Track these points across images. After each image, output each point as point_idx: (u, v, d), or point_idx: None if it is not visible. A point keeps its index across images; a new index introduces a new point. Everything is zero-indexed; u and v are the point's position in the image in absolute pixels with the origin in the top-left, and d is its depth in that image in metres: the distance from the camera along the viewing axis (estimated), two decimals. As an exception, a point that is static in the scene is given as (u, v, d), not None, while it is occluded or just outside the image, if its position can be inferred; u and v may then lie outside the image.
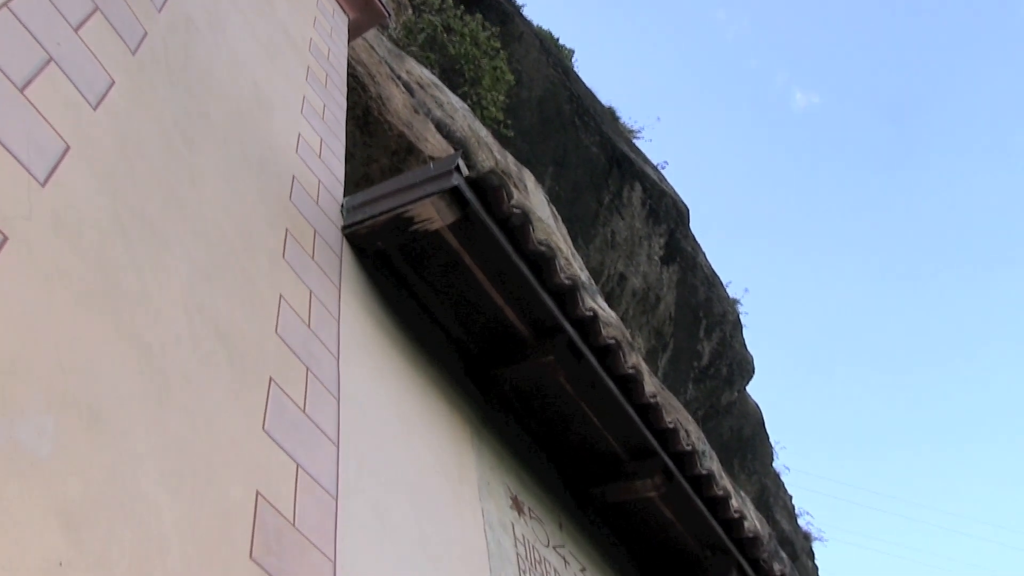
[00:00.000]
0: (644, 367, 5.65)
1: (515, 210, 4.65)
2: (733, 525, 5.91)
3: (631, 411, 5.17)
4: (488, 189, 4.60)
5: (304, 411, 3.57)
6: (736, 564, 5.99)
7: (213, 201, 3.83)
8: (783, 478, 21.68)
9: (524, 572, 4.56)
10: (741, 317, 19.76)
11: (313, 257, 4.38)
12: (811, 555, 21.70)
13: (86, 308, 2.74)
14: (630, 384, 5.16)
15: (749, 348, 20.05)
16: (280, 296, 3.89)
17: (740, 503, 6.23)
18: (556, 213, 13.94)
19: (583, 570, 5.33)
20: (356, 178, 9.31)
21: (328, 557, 3.18)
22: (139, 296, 3.01)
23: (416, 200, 4.58)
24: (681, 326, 17.60)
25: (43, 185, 2.79)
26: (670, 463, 5.44)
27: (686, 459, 5.52)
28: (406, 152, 9.83)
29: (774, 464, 21.16)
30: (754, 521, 6.42)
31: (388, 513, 3.71)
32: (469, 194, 4.53)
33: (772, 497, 20.31)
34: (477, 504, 4.48)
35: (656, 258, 17.32)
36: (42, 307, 2.56)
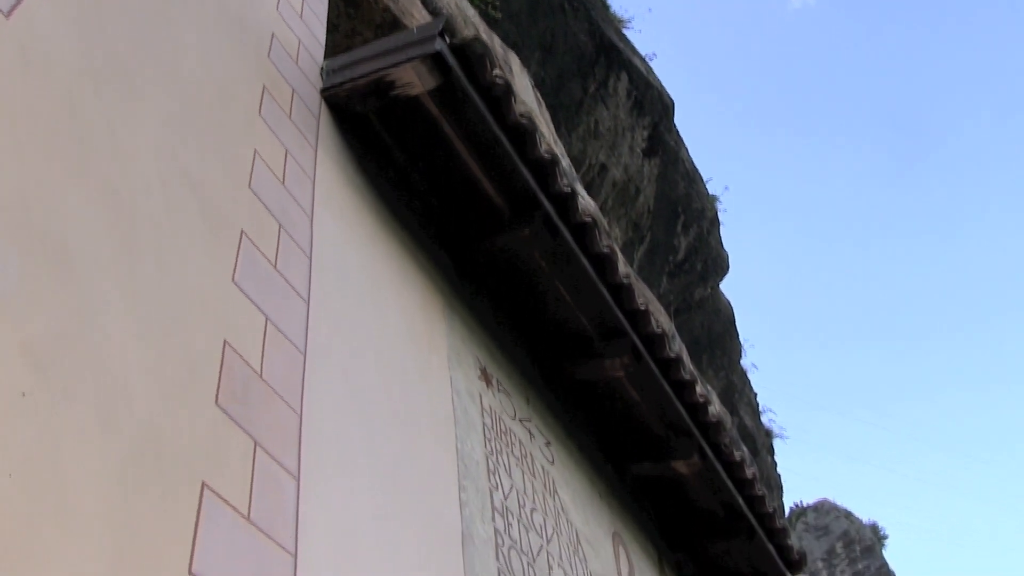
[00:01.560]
0: (619, 254, 5.66)
1: (498, 80, 4.58)
2: (697, 409, 5.98)
3: (604, 290, 5.17)
4: (471, 57, 4.52)
5: (275, 267, 3.55)
6: (698, 447, 6.08)
7: (188, 51, 3.74)
8: (750, 376, 21.99)
9: (490, 441, 4.62)
10: (719, 214, 19.78)
11: (290, 116, 4.31)
12: (771, 451, 22.16)
13: (53, 149, 2.68)
14: (604, 263, 5.16)
15: (725, 246, 20.12)
16: (255, 152, 3.83)
17: (705, 389, 6.31)
18: (540, 99, 13.77)
19: (548, 444, 5.40)
20: (338, 52, 9.13)
21: (294, 410, 3.20)
22: (109, 140, 2.95)
23: (398, 64, 4.49)
24: (659, 220, 17.60)
25: (7, 16, 2.70)
26: (639, 344, 5.47)
27: (655, 341, 5.56)
28: (391, 26, 9.63)
29: (742, 362, 21.43)
30: (717, 407, 6.52)
31: (356, 373, 3.72)
32: (452, 60, 4.45)
33: (737, 394, 20.63)
34: (446, 372, 4.51)
35: (638, 150, 17.21)
36: (7, 144, 2.50)
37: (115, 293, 2.66)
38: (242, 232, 3.43)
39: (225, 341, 3.01)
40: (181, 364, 2.77)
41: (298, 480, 3.03)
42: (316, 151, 4.35)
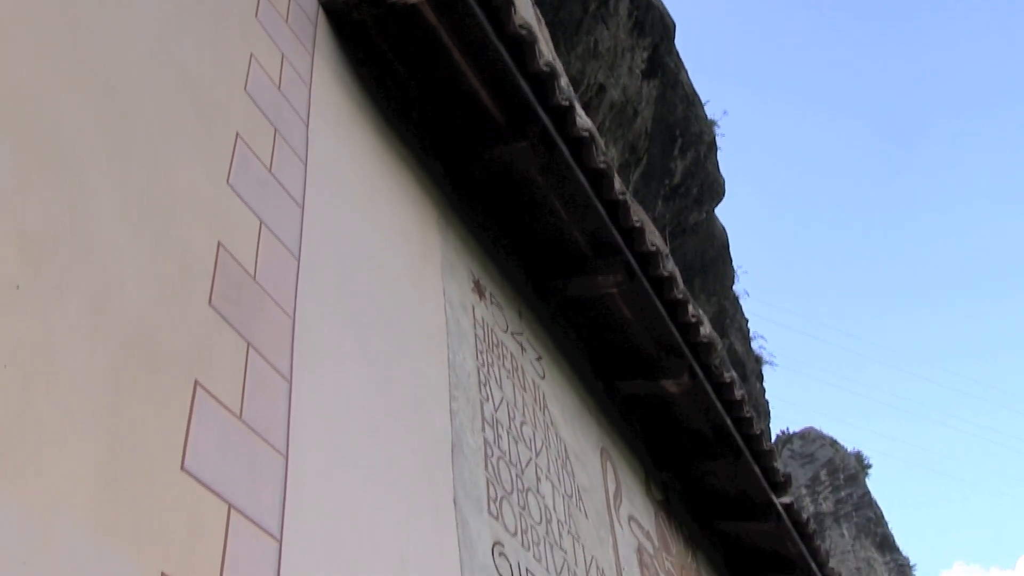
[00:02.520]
0: (615, 172, 5.63)
1: (497, -11, 4.51)
2: (689, 329, 6.01)
3: (599, 206, 5.15)
4: (471, -36, 4.44)
5: (270, 170, 3.53)
6: (688, 367, 6.12)
7: (184, -52, 3.67)
8: (741, 302, 22.06)
9: (481, 353, 4.64)
10: (717, 139, 19.66)
11: (287, 21, 4.25)
12: (760, 377, 22.32)
13: (46, 44, 2.65)
14: (600, 178, 5.14)
15: (722, 171, 20.03)
16: (251, 55, 3.78)
17: (696, 311, 6.33)
18: (540, 16, 13.59)
19: (539, 358, 5.44)
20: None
21: (287, 313, 3.20)
22: (103, 37, 2.91)
23: (396, -30, 4.42)
24: (656, 142, 17.49)
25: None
26: (633, 262, 5.47)
27: (649, 259, 5.56)
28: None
29: (734, 287, 21.48)
30: (708, 329, 6.56)
31: (349, 279, 3.72)
32: (451, -33, 4.38)
33: (729, 319, 20.71)
34: (439, 283, 4.51)
35: (637, 71, 17.04)
36: (-1, 38, 2.47)
37: (108, 190, 2.64)
38: (237, 135, 3.41)
39: (219, 242, 3.00)
40: (174, 263, 2.76)
41: (290, 382, 3.05)
42: (312, 58, 4.30)
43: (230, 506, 2.55)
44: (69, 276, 2.35)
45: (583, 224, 5.37)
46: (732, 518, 7.52)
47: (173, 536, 2.31)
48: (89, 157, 2.62)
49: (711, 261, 20.00)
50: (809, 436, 35.12)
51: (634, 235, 5.44)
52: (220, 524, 2.49)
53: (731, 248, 20.86)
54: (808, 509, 31.24)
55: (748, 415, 6.65)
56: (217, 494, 2.52)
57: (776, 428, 32.77)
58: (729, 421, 6.55)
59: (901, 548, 33.49)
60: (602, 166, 5.07)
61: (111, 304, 2.45)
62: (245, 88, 3.63)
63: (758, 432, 6.82)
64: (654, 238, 6.35)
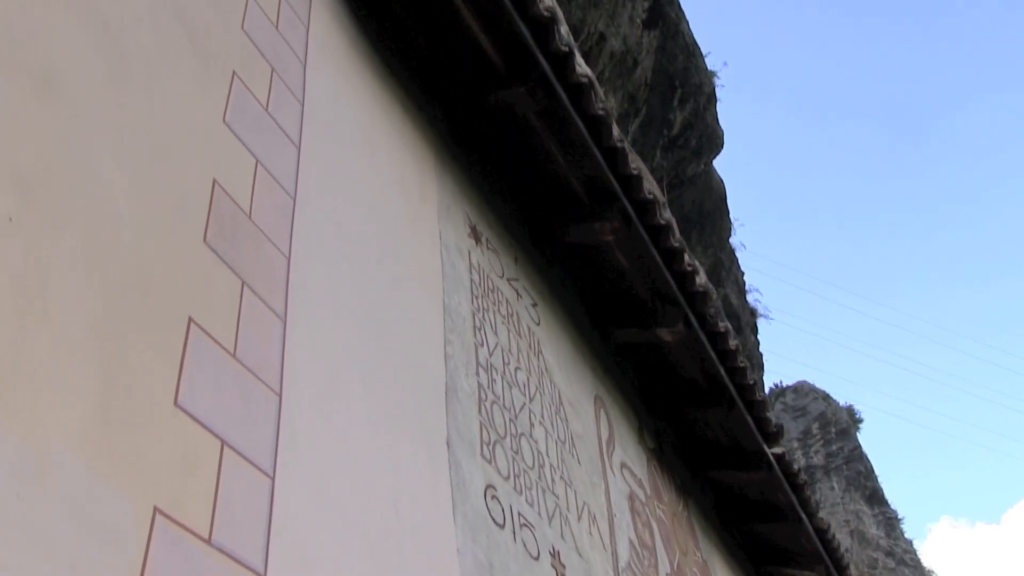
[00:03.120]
0: (614, 120, 5.59)
1: (498, -69, 4.45)
2: (685, 277, 6.01)
3: (597, 152, 5.13)
4: (472, -96, 4.39)
5: (267, 110, 3.50)
6: (683, 316, 6.12)
7: None
8: (738, 255, 22.04)
9: (477, 298, 4.64)
10: (717, 91, 19.52)
11: (285, -41, 4.19)
12: (755, 330, 22.36)
13: (41, -27, 2.61)
14: (599, 125, 5.10)
15: (721, 123, 19.92)
16: (248, -7, 3.73)
17: (692, 260, 6.32)
18: (541, -39, 13.43)
19: (534, 305, 5.44)
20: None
21: (283, 253, 3.19)
22: (98, -32, 2.87)
23: (396, -92, 4.36)
24: (656, 93, 17.36)
25: None
26: (630, 209, 5.45)
27: (646, 207, 5.54)
28: None
29: (731, 240, 21.45)
30: (704, 278, 6.56)
31: (345, 221, 3.71)
32: (451, -93, 4.32)
33: (724, 271, 20.70)
34: (435, 226, 4.50)
35: (638, 21, 16.86)
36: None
37: (103, 125, 2.62)
38: (234, 73, 3.38)
39: (214, 180, 2.99)
40: (169, 199, 2.75)
41: (284, 321, 3.05)
42: (311, -2, 4.26)
43: (223, 443, 2.56)
44: (63, 209, 2.33)
45: (581, 170, 5.34)
46: (724, 467, 7.57)
47: (166, 471, 2.32)
48: (84, 92, 2.60)
49: (708, 213, 19.95)
50: (802, 390, 35.27)
51: (632, 183, 5.42)
52: (213, 460, 2.50)
53: (728, 200, 20.80)
54: (800, 462, 31.42)
55: (742, 365, 6.67)
56: (210, 430, 2.53)
57: (770, 381, 32.88)
58: (723, 370, 6.57)
59: (890, 502, 33.76)
60: (601, 113, 5.04)
61: (105, 239, 2.44)
62: (242, 26, 3.59)
63: (751, 382, 6.85)
64: (651, 187, 6.33)
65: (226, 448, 2.56)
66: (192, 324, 2.62)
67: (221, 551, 2.40)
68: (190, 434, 2.45)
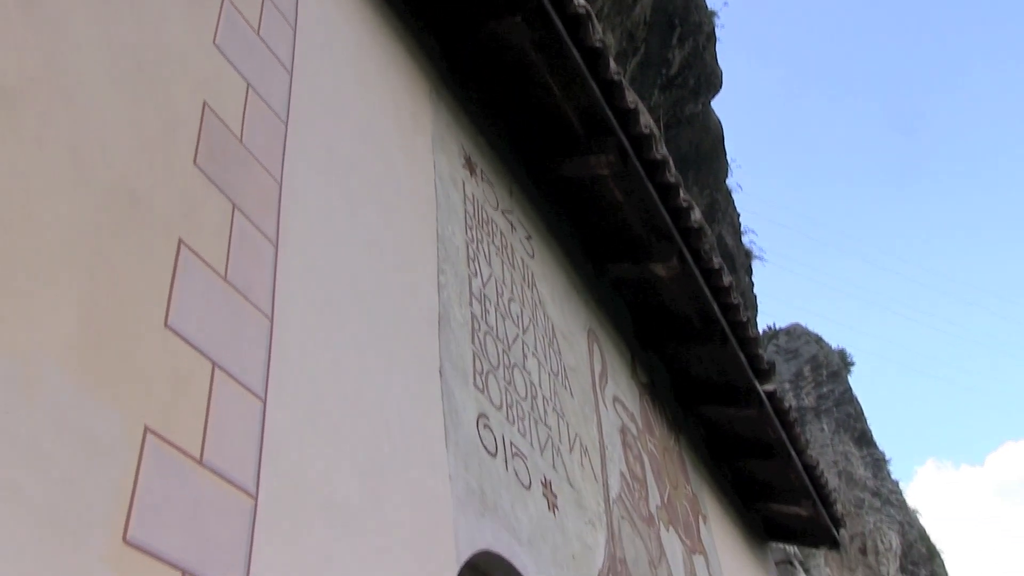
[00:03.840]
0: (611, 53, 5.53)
1: None
2: (680, 213, 5.98)
3: (594, 84, 5.07)
4: None
5: (258, 33, 3.44)
6: (678, 251, 6.11)
7: None
8: (734, 196, 21.98)
9: (471, 229, 4.62)
10: (716, 30, 19.33)
11: None
12: (749, 272, 22.37)
13: None
14: (596, 57, 5.04)
15: (720, 63, 19.74)
16: (239, -88, 3.66)
17: (688, 196, 6.28)
18: None
19: (529, 238, 5.41)
20: None
21: (274, 177, 3.16)
22: None
23: None
24: (655, 31, 17.18)
25: None
26: (626, 143, 5.41)
27: (643, 141, 5.50)
28: None
29: (727, 181, 21.38)
30: (699, 215, 6.52)
31: (338, 147, 3.67)
32: None
33: (720, 212, 20.66)
34: (429, 156, 4.46)
35: (637, -44, 16.64)
36: None
37: (91, 41, 2.57)
38: (224, -7, 3.31)
39: (204, 102, 2.95)
40: (158, 120, 2.71)
41: (276, 246, 3.02)
42: (303, -82, 4.17)
43: (214, 364, 2.55)
44: (47, 124, 2.30)
45: (577, 103, 5.29)
46: (715, 403, 7.61)
47: (157, 391, 2.31)
48: (69, 6, 2.55)
49: (705, 154, 19.86)
50: (795, 332, 35.36)
51: (628, 116, 5.37)
52: (204, 381, 2.50)
53: (726, 141, 20.68)
54: (791, 403, 31.60)
55: (735, 302, 6.67)
56: (201, 352, 2.52)
57: (763, 324, 32.93)
58: (716, 307, 6.57)
59: (878, 444, 34.02)
60: (598, 45, 4.97)
61: (91, 155, 2.40)
62: (233, -54, 3.52)
63: (744, 319, 6.85)
64: (648, 122, 6.27)
65: (217, 370, 2.55)
66: (182, 245, 2.60)
67: (213, 471, 2.40)
68: (180, 355, 2.44)
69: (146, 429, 2.24)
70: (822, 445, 31.40)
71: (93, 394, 2.12)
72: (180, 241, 2.60)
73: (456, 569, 3.32)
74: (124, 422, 2.18)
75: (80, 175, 2.34)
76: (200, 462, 2.37)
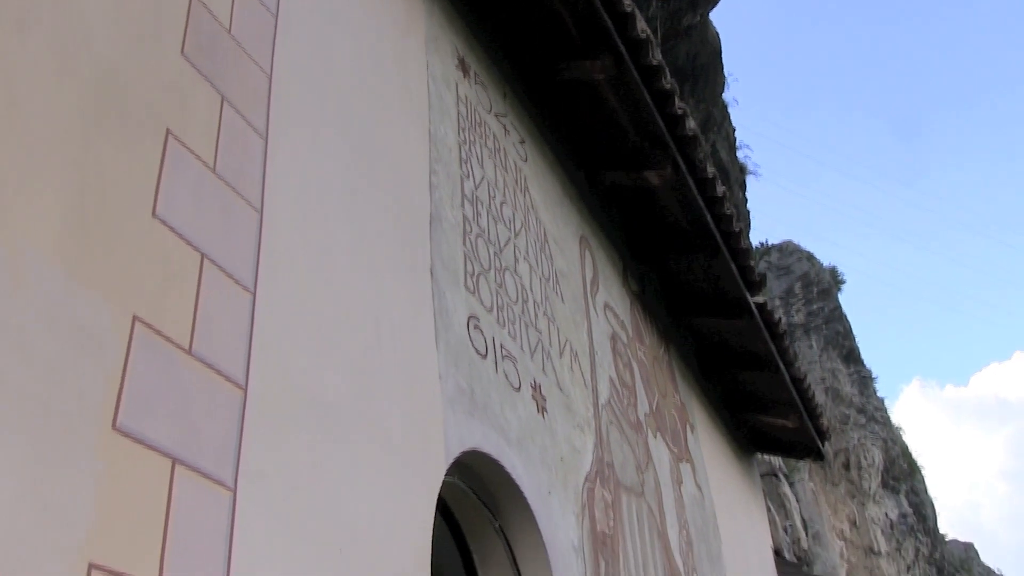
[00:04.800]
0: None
1: None
2: (676, 121, 5.91)
3: (590, -14, 4.97)
4: None
5: (247, -78, 3.35)
6: (672, 159, 6.06)
7: None
8: (730, 110, 21.80)
9: (464, 130, 4.56)
10: (716, -62, 18.96)
11: None
12: (743, 187, 22.31)
13: None
14: (593, -43, 4.94)
15: (719, -27, 19.40)
16: None
17: (684, 104, 6.20)
18: None
19: (522, 142, 5.36)
20: None
21: (264, 71, 3.11)
22: None
23: None
24: (653, -62, 16.85)
25: None
26: (622, 48, 5.32)
27: (639, 47, 5.41)
28: None
29: (724, 95, 21.18)
30: (694, 123, 6.44)
31: (329, 42, 3.60)
32: None
33: (716, 127, 20.51)
34: (422, 56, 4.38)
35: None
36: None
37: (73, -76, 2.50)
38: None
39: (192, -8, 2.88)
40: (144, 9, 2.65)
41: (266, 140, 2.98)
42: None
43: (203, 256, 2.53)
44: (29, 14, 2.24)
45: (573, 5, 5.19)
46: (706, 314, 7.63)
47: (146, 281, 2.30)
48: None
49: (702, 67, 19.63)
50: (787, 249, 35.40)
51: (625, 20, 5.27)
52: (193, 273, 2.48)
53: (723, 55, 20.44)
54: (780, 317, 31.75)
55: (728, 212, 6.64)
56: (190, 243, 2.50)
57: (755, 240, 32.93)
58: (709, 217, 6.54)
59: (865, 362, 34.30)
60: (595, -57, 4.87)
61: (76, 45, 2.35)
62: None
63: (737, 230, 6.84)
64: (644, 28, 6.16)
65: (206, 261, 2.54)
66: (170, 136, 2.56)
67: (202, 362, 2.40)
68: (169, 246, 2.42)
69: (134, 318, 2.23)
70: (810, 362, 31.66)
71: (81, 283, 2.11)
72: (168, 132, 2.56)
73: (445, 467, 3.36)
74: (112, 311, 2.17)
75: (64, 64, 2.29)
76: (189, 352, 2.37)
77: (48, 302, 2.01)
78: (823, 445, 9.91)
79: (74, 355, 2.03)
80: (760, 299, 7.60)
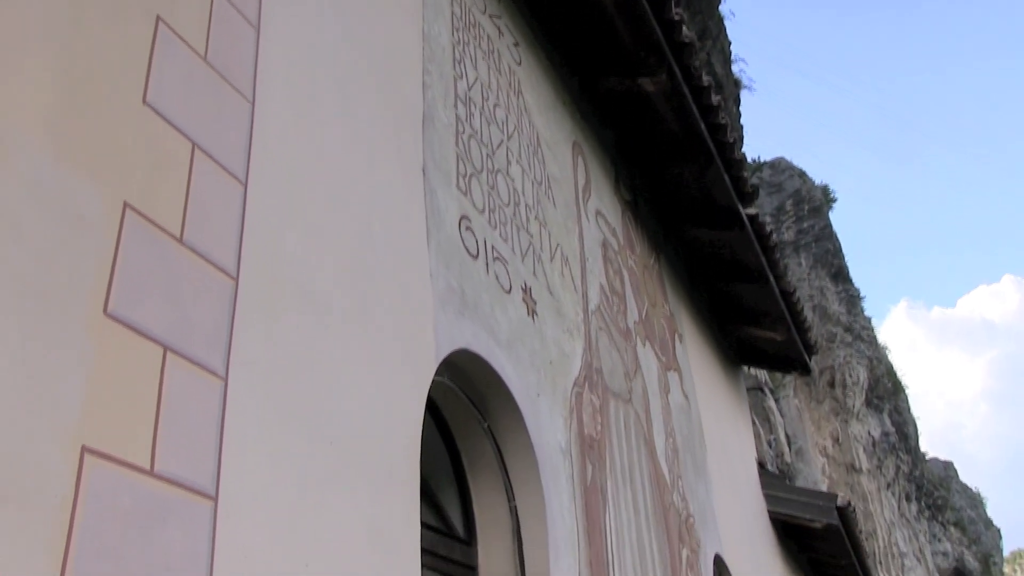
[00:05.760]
0: None
1: None
2: (672, 27, 5.84)
3: None
4: None
5: None
6: (667, 66, 5.99)
7: None
8: (726, 23, 21.52)
9: (458, 31, 4.50)
10: None
11: None
12: (737, 102, 22.14)
13: None
14: None
15: None
16: None
17: (681, 11, 6.10)
18: None
19: (516, 45, 5.29)
20: None
21: (255, -41, 3.04)
22: None
23: None
24: None
25: None
26: (620, -51, 5.23)
27: (637, -52, 5.32)
28: None
29: (720, 7, 20.89)
30: (690, 31, 6.34)
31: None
32: None
33: (712, 40, 20.26)
34: (416, -49, 4.30)
35: None
36: None
37: None
38: None
39: None
40: None
41: (257, 30, 2.93)
42: None
43: (195, 145, 2.50)
44: None
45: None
46: (698, 225, 7.62)
47: (136, 168, 2.28)
48: None
49: (699, -23, 19.32)
50: (779, 166, 35.28)
51: (623, -81, 5.18)
52: (184, 162, 2.46)
53: (721, -34, 20.10)
54: (772, 229, 31.75)
55: (723, 122, 6.59)
56: (180, 131, 2.47)
57: (748, 156, 32.81)
58: (703, 126, 6.50)
59: (854, 280, 34.45)
60: None
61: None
62: None
63: (731, 140, 6.80)
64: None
65: (197, 150, 2.51)
66: (160, 22, 2.52)
67: (193, 250, 2.39)
68: (159, 133, 2.39)
69: (125, 205, 2.21)
70: (799, 280, 31.79)
71: (71, 168, 2.09)
72: (158, 18, 2.51)
73: (435, 364, 3.37)
74: (103, 197, 2.15)
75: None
76: (180, 241, 2.36)
77: (38, 185, 1.99)
78: (810, 359, 9.99)
79: (64, 239, 2.01)
80: (752, 211, 7.59)
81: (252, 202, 2.66)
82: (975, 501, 42.76)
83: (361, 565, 2.70)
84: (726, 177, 6.99)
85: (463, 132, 4.19)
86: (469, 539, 3.93)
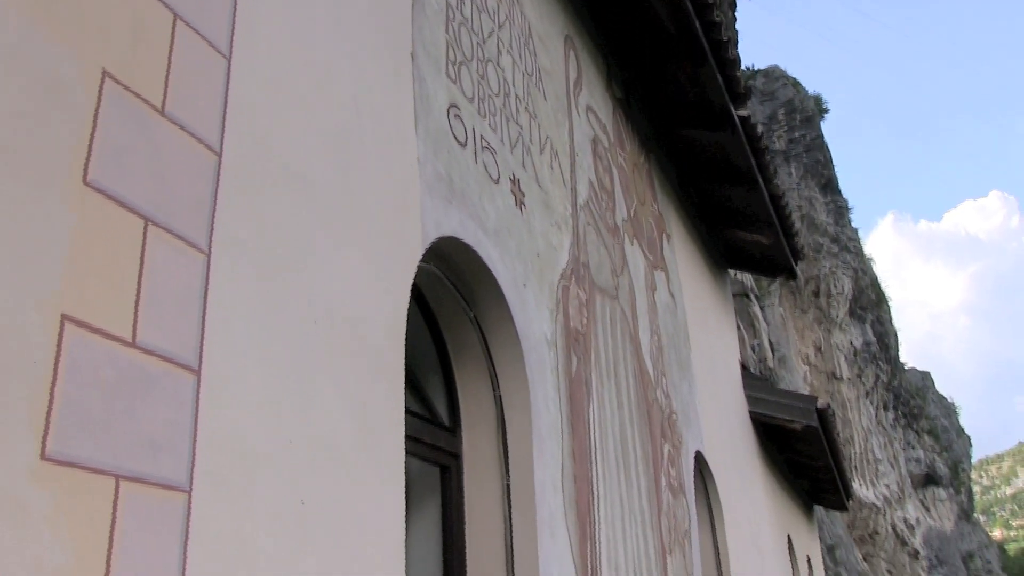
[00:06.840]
0: None
1: None
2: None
3: None
4: None
5: None
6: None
7: None
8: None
9: (448, -87, 4.37)
10: None
11: None
12: (732, 6, 21.83)
13: None
14: None
15: None
16: None
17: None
18: None
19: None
20: None
21: None
22: None
23: None
24: None
25: None
26: None
27: None
28: None
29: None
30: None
31: None
32: None
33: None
34: None
35: None
36: None
37: None
38: None
39: None
40: None
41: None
42: None
43: (176, 15, 2.44)
44: None
45: None
46: (689, 125, 7.55)
47: (114, 35, 2.21)
48: None
49: None
50: (773, 74, 34.96)
51: None
52: (165, 31, 2.39)
53: None
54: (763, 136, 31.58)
55: (718, 20, 6.48)
56: (161, 1, 2.40)
57: (742, 63, 32.50)
58: (698, 24, 6.39)
59: (842, 192, 34.45)
60: None
61: None
62: None
63: (725, 39, 6.69)
64: None
65: (178, 21, 2.44)
66: None
67: (176, 123, 2.34)
68: (139, 3, 2.32)
69: (104, 73, 2.15)
70: (788, 189, 31.75)
71: (47, 32, 2.02)
72: None
73: (422, 249, 3.34)
74: (81, 64, 2.09)
75: None
76: (162, 112, 2.31)
77: (12, 49, 1.93)
78: (796, 263, 10.02)
79: (41, 104, 1.96)
80: (743, 112, 7.52)
81: (236, 77, 2.60)
82: (949, 410, 43.44)
83: (345, 445, 2.71)
84: (719, 76, 6.91)
85: (453, 19, 4.10)
86: (453, 427, 3.95)
